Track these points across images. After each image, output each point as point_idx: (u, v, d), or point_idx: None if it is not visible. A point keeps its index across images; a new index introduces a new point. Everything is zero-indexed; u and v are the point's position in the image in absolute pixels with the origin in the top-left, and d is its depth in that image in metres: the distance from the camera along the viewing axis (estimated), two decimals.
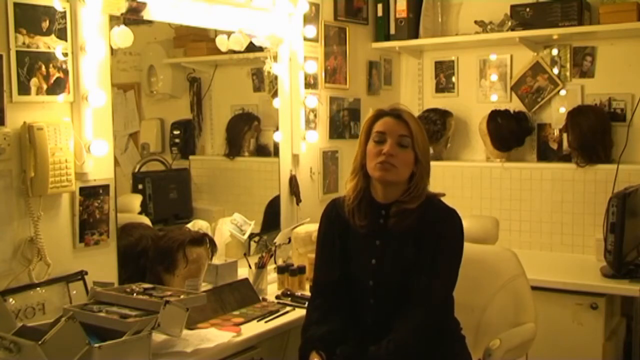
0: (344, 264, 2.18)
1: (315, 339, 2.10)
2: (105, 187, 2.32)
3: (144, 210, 2.91)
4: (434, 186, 2.23)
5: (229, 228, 2.93)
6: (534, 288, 2.94)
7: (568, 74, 3.62)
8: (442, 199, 2.20)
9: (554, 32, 3.46)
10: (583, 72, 3.59)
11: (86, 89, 2.21)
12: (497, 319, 2.48)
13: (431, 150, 3.74)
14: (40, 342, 1.67)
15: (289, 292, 2.68)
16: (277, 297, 2.66)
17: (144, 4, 2.38)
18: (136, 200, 2.91)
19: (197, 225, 2.79)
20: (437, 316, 2.12)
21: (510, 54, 3.77)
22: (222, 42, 2.86)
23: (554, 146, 3.68)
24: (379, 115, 2.16)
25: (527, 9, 3.54)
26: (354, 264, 2.17)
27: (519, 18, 3.57)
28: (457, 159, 3.95)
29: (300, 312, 2.48)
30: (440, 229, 2.10)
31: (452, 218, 2.13)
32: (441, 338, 2.12)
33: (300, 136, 3.20)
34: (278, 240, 2.89)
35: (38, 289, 2.13)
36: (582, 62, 3.59)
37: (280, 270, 2.82)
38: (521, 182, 3.69)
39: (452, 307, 2.21)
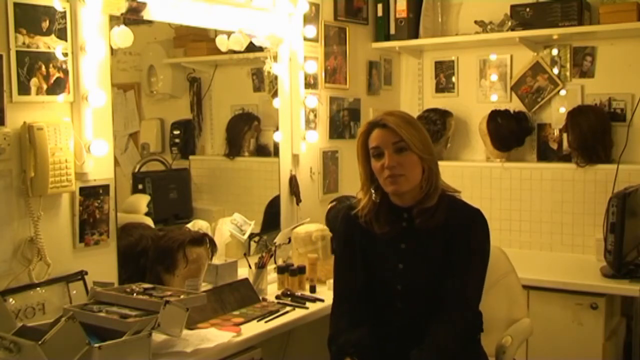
0: (368, 269, 2.14)
1: (348, 345, 2.06)
2: (105, 187, 2.32)
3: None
4: None
5: (229, 228, 2.93)
6: (534, 288, 2.97)
7: (568, 74, 3.62)
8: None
9: (554, 32, 3.46)
10: (583, 72, 3.59)
11: (86, 89, 2.21)
12: (490, 316, 2.49)
13: None
14: (40, 342, 1.67)
15: (289, 292, 2.68)
16: (277, 297, 2.65)
17: (144, 4, 2.38)
18: (143, 201, 2.89)
19: (197, 225, 2.79)
20: (474, 318, 2.12)
21: (510, 54, 3.77)
22: (222, 42, 2.86)
23: (554, 146, 3.68)
24: (369, 129, 2.10)
25: (527, 9, 3.54)
26: (380, 270, 2.13)
27: (519, 18, 3.57)
28: (457, 159, 3.95)
29: (300, 312, 2.49)
30: (469, 230, 2.08)
31: (480, 219, 2.11)
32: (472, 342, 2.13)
33: (300, 136, 3.20)
34: (278, 240, 2.89)
35: (38, 289, 2.13)
36: (582, 62, 3.59)
37: (280, 270, 2.82)
38: (521, 182, 3.68)
39: (481, 313, 2.19)
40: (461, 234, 2.06)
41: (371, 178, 2.12)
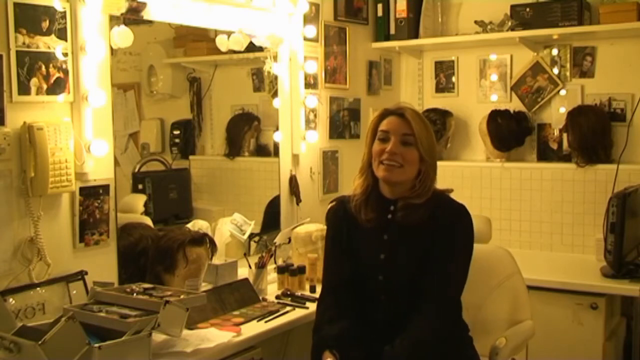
0: (353, 260, 2.17)
1: (329, 338, 2.08)
2: (105, 187, 2.32)
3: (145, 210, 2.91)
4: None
5: (229, 228, 2.93)
6: (534, 288, 2.97)
7: (568, 74, 3.62)
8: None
9: (554, 32, 3.46)
10: (583, 72, 3.59)
11: (86, 89, 2.21)
12: (493, 317, 2.49)
13: None
14: (40, 342, 1.67)
15: (289, 292, 2.68)
16: (277, 297, 2.66)
17: (144, 4, 2.38)
18: (139, 200, 2.89)
19: (197, 225, 2.79)
20: (452, 311, 2.12)
21: (510, 54, 3.77)
22: (222, 42, 2.86)
23: (554, 146, 3.68)
24: (384, 114, 2.16)
25: (527, 9, 3.55)
26: (363, 260, 2.16)
27: (519, 18, 3.57)
28: (457, 159, 3.95)
29: (300, 312, 2.49)
30: (452, 224, 2.11)
31: (463, 214, 2.14)
32: (453, 338, 2.13)
33: (300, 136, 3.20)
34: (278, 240, 2.89)
35: (38, 289, 2.13)
36: (582, 62, 3.59)
37: (280, 270, 2.82)
38: (521, 182, 3.69)
39: (460, 307, 2.20)
40: (445, 228, 2.09)
41: (370, 162, 2.16)
